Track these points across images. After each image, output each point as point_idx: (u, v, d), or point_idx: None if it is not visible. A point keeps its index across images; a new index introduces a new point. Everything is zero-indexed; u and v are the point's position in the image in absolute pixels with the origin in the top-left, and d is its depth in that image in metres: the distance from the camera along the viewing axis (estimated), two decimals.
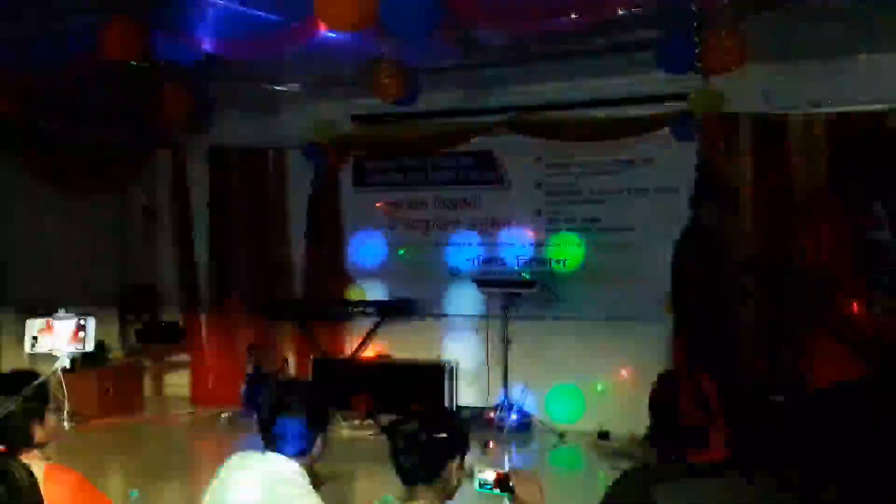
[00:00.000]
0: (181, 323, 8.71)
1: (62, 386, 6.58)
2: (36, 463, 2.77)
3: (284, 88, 7.64)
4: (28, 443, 2.93)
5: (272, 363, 8.10)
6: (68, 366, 6.97)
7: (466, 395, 7.70)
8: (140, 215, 8.75)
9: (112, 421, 7.48)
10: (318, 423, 2.97)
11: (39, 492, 2.40)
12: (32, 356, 7.15)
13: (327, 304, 8.03)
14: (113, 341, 8.21)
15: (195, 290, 8.70)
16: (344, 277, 8.31)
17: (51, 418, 3.05)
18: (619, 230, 7.39)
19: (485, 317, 7.53)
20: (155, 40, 4.94)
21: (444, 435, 2.77)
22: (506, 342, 7.24)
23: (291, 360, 8.33)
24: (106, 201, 8.08)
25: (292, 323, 8.27)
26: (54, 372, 3.52)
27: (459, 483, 2.81)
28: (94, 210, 7.27)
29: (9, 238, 7.44)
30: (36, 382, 2.76)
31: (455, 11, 4.70)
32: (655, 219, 7.18)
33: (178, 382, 8.71)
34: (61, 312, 7.21)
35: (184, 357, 8.74)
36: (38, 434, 2.98)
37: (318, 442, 2.96)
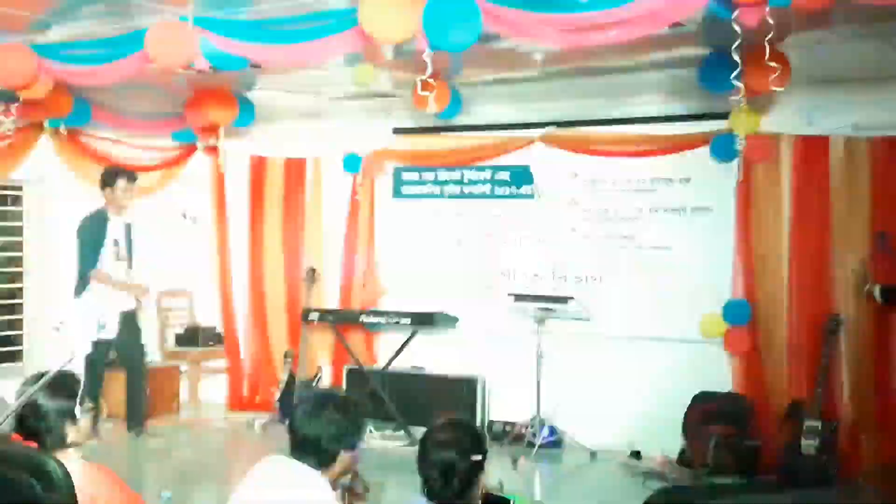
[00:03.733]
0: (219, 328, 8.80)
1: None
2: (72, 461, 2.81)
3: (326, 99, 7.74)
4: (61, 443, 2.95)
5: (306, 371, 8.17)
6: (89, 350, 6.91)
7: (498, 409, 7.68)
8: (179, 220, 8.87)
9: (149, 423, 7.56)
10: (351, 435, 2.97)
11: (74, 488, 2.45)
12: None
13: (361, 313, 8.07)
14: (152, 344, 8.31)
15: (232, 296, 8.81)
16: (379, 287, 8.36)
17: (85, 418, 3.08)
18: (655, 248, 7.35)
19: (518, 331, 7.50)
20: (203, 46, 5.02)
21: (480, 458, 2.80)
22: (539, 357, 7.22)
23: (326, 368, 8.40)
24: (147, 205, 8.17)
25: (328, 332, 8.33)
26: (73, 356, 3.56)
27: (482, 494, 2.84)
28: (134, 214, 7.38)
29: None
30: (49, 375, 2.77)
31: (495, 26, 4.74)
32: (692, 238, 7.14)
33: (215, 387, 8.79)
34: (84, 296, 7.13)
35: (221, 362, 8.83)
36: (72, 434, 3.01)
37: (354, 453, 2.95)
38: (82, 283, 7.03)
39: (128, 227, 7.27)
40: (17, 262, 7.96)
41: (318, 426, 2.92)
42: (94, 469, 2.91)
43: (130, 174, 7.29)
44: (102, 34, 5.52)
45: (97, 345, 7.01)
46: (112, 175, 7.19)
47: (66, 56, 5.68)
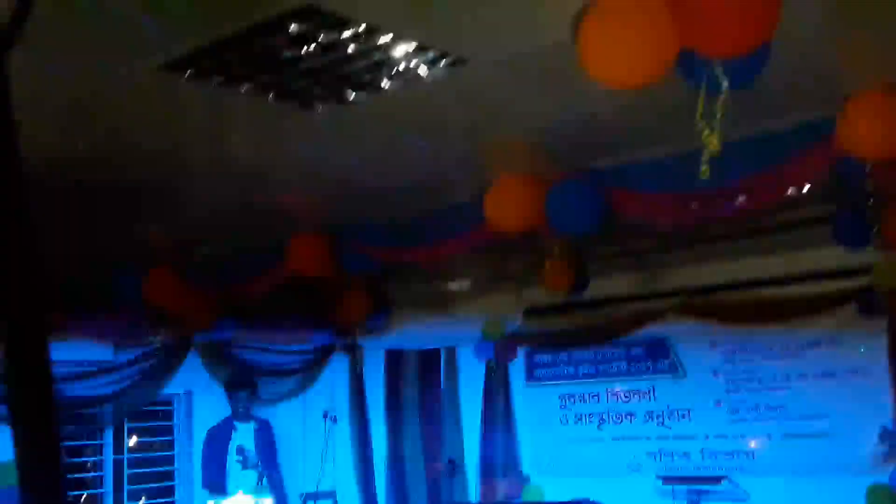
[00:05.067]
0: None
1: None
2: None
3: (456, 286, 7.89)
4: None
5: None
6: None
7: None
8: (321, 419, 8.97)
9: None
10: None
11: None
12: None
13: None
14: None
15: (376, 495, 8.73)
16: (520, 476, 8.14)
17: None
18: (809, 417, 6.94)
19: None
20: (341, 253, 5.27)
21: None
22: None
23: None
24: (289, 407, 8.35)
25: None
26: None
27: None
28: (278, 416, 7.56)
29: None
30: None
31: (619, 210, 4.80)
32: (848, 403, 6.73)
33: None
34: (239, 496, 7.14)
35: None
36: None
37: None
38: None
39: (260, 432, 7.26)
40: (170, 475, 8.15)
41: None
42: None
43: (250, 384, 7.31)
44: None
45: None
46: (235, 384, 7.31)
47: (213, 275, 6.05)
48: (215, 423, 7.50)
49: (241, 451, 7.23)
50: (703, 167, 3.10)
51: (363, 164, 4.65)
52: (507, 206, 4.86)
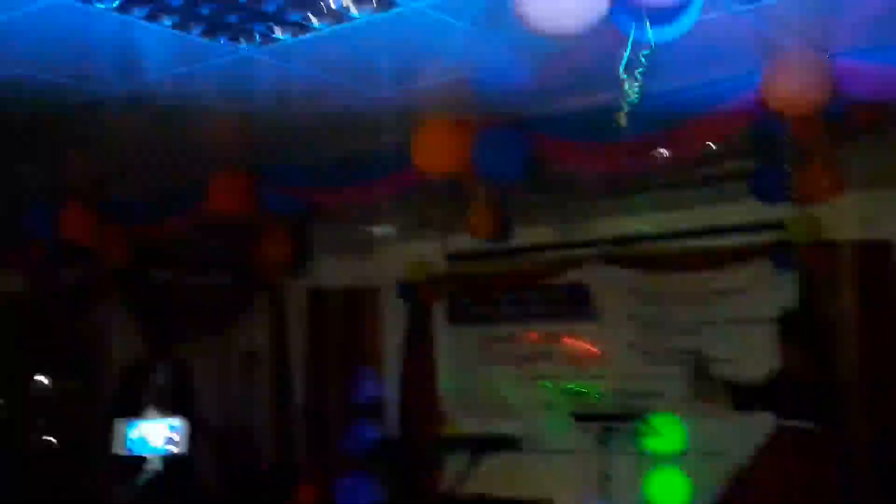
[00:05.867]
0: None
1: None
2: None
3: (380, 231, 7.86)
4: None
5: None
6: (161, 468, 6.79)
7: None
8: (241, 358, 8.94)
9: None
10: None
11: None
12: None
13: (423, 441, 7.95)
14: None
15: (293, 432, 8.76)
16: (439, 414, 8.27)
17: None
18: (717, 362, 7.17)
19: (583, 452, 7.31)
20: (261, 192, 5.19)
21: None
22: (605, 478, 7.00)
23: None
24: (207, 345, 8.27)
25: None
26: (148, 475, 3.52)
27: None
28: (194, 354, 7.46)
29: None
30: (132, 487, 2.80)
31: (546, 158, 4.82)
32: (754, 351, 6.96)
33: None
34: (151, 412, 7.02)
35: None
36: None
37: None
38: None
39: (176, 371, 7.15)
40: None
41: None
42: None
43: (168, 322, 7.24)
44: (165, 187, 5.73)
45: None
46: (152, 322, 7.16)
47: (130, 212, 5.90)
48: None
49: (156, 389, 7.11)
50: (623, 116, 3.16)
51: (288, 104, 4.55)
52: (434, 151, 4.83)
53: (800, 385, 5.75)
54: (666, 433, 6.99)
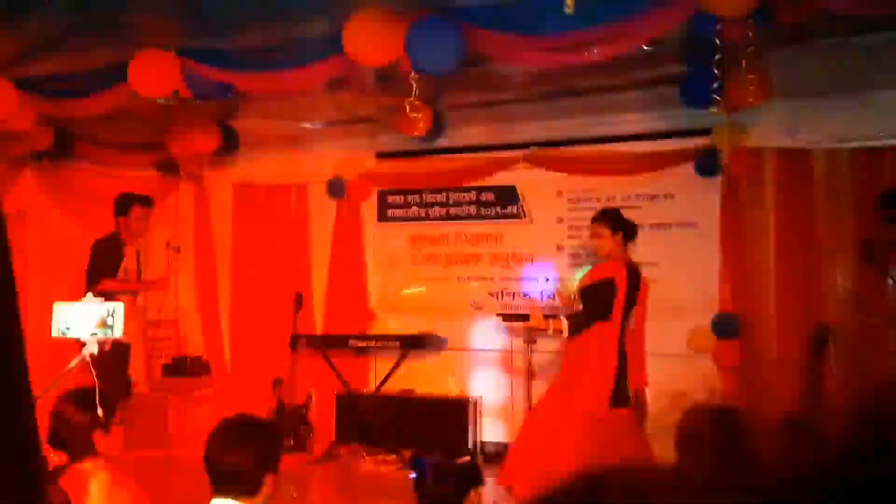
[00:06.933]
0: (205, 357, 8.73)
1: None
2: (98, 473, 2.93)
3: (309, 125, 7.74)
4: (89, 452, 3.02)
5: (296, 398, 8.11)
6: (96, 352, 6.78)
7: (490, 430, 7.65)
8: (163, 250, 8.80)
9: (136, 455, 7.44)
10: (272, 458, 2.76)
11: None
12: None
13: (350, 338, 8.03)
14: (139, 376, 8.21)
15: (219, 325, 8.75)
16: (366, 311, 8.33)
17: (118, 429, 3.16)
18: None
19: (509, 351, 7.49)
20: (187, 75, 5.03)
21: (468, 459, 2.80)
22: (530, 377, 7.20)
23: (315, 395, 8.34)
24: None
25: (317, 358, 8.27)
26: (82, 358, 3.50)
27: None
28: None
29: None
30: (64, 370, 2.83)
31: (477, 48, 4.77)
32: (678, 254, 7.16)
33: (204, 418, 8.68)
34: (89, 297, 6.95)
35: (210, 392, 8.74)
36: (104, 444, 3.07)
37: (269, 481, 2.71)
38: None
39: (138, 256, 7.07)
40: None
41: (236, 455, 2.68)
42: (118, 480, 2.94)
43: (146, 200, 6.99)
44: (87, 67, 5.51)
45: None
46: (126, 202, 6.96)
47: (50, 89, 5.66)
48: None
49: (125, 271, 6.94)
50: (571, 3, 3.13)
51: None
52: (367, 40, 4.74)
53: None
54: None
